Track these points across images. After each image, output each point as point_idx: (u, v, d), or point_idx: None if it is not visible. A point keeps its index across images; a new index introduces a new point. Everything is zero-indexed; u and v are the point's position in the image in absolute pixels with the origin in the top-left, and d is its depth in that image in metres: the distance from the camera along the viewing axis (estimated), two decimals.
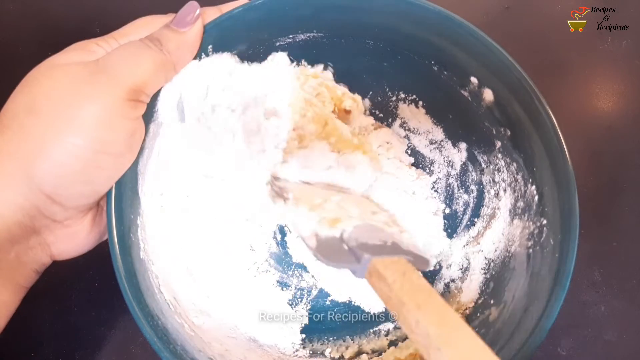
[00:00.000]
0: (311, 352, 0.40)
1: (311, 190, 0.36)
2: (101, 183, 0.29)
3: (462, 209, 0.43)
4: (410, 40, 0.37)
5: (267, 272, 0.43)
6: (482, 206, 0.41)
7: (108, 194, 0.30)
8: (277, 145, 0.36)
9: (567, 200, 0.32)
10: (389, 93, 0.44)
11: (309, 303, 0.42)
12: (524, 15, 0.54)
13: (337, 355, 0.40)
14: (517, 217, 0.37)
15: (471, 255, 0.41)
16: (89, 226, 0.31)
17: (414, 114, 0.44)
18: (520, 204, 0.37)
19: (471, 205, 0.42)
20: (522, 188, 0.37)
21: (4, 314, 0.28)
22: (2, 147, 0.27)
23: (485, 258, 0.39)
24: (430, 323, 0.24)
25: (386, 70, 0.41)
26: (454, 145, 0.43)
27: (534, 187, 0.35)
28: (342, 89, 0.39)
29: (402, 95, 0.43)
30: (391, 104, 0.44)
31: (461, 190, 0.43)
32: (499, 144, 0.38)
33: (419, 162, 0.45)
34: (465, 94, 0.38)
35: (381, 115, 0.45)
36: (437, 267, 0.42)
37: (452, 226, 0.43)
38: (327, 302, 0.42)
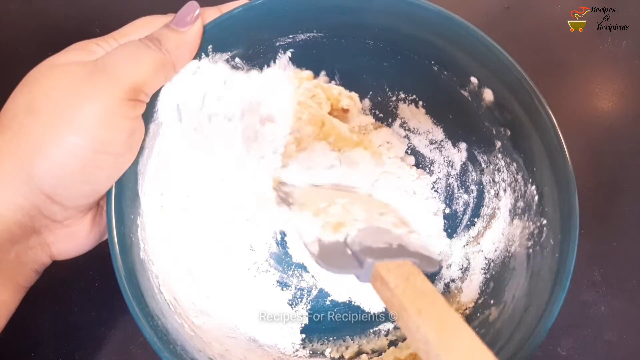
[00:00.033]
0: (311, 352, 0.40)
1: (317, 194, 0.36)
2: (101, 183, 0.29)
3: (462, 209, 0.43)
4: (410, 40, 0.37)
5: (267, 272, 0.43)
6: (482, 206, 0.41)
7: (108, 193, 0.30)
8: (275, 151, 0.36)
9: (567, 200, 0.32)
10: (389, 93, 0.44)
11: (309, 303, 0.42)
12: (524, 15, 0.54)
13: (337, 355, 0.40)
14: (517, 217, 0.37)
15: (471, 255, 0.41)
16: (89, 226, 0.31)
17: (414, 114, 0.44)
18: (520, 204, 0.37)
19: (471, 205, 0.42)
20: (522, 188, 0.37)
21: (4, 314, 0.28)
22: (2, 147, 0.27)
23: (485, 258, 0.39)
24: (430, 330, 0.24)
25: (386, 70, 0.41)
26: (454, 145, 0.43)
27: (534, 187, 0.35)
28: (338, 88, 0.39)
29: (402, 95, 0.43)
30: (391, 104, 0.44)
31: (461, 190, 0.43)
32: (499, 144, 0.38)
33: (419, 162, 0.45)
34: (465, 94, 0.38)
35: (381, 115, 0.45)
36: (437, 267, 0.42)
37: (452, 226, 0.43)
38: (327, 302, 0.42)
